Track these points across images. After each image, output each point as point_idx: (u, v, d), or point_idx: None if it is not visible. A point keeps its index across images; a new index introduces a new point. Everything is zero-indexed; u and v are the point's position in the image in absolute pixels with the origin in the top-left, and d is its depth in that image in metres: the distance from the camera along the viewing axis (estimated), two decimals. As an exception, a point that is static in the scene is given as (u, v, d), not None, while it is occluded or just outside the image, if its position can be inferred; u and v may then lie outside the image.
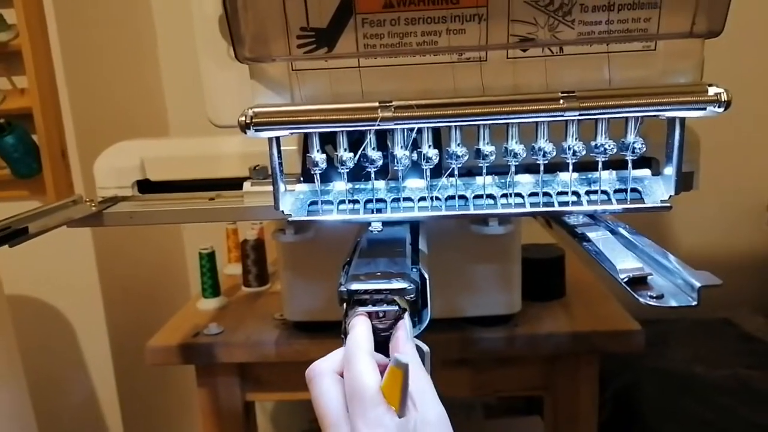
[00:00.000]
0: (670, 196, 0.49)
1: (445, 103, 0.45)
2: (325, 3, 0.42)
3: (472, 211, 0.50)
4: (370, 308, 0.41)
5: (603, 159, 0.48)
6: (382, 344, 0.40)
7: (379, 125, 0.45)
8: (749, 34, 1.37)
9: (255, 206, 0.65)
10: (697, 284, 0.40)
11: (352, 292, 0.41)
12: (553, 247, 0.97)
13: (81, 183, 1.20)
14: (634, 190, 0.49)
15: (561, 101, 0.44)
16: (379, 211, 0.51)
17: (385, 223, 0.52)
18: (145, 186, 0.74)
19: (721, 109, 0.43)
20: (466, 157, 0.48)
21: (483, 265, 0.81)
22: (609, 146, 0.47)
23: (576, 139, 0.47)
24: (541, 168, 0.48)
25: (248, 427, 0.93)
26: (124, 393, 1.34)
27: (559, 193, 0.50)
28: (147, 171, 0.74)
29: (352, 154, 0.47)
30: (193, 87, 0.76)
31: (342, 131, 0.47)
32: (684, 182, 0.49)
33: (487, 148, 0.48)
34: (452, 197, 0.50)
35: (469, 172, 0.52)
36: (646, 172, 0.51)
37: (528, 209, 0.50)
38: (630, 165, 0.48)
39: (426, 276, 0.45)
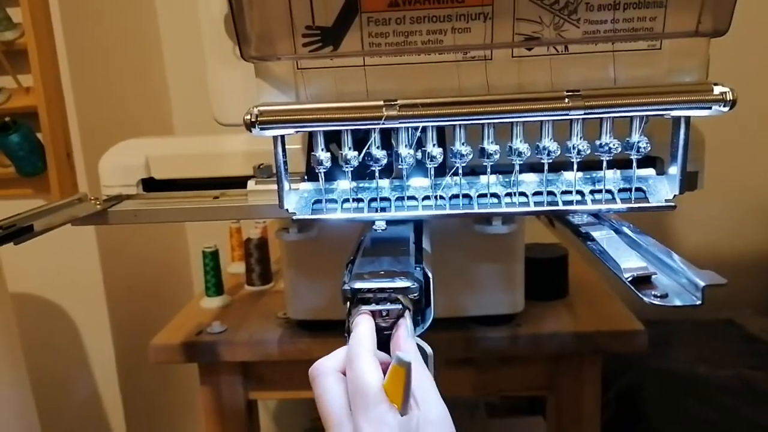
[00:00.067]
0: (675, 195, 0.49)
1: (450, 101, 0.45)
2: (330, 2, 0.42)
3: (476, 210, 0.50)
4: (374, 307, 0.41)
5: (607, 158, 0.47)
6: (385, 343, 0.40)
7: (383, 124, 0.45)
8: (755, 33, 1.36)
9: (259, 205, 0.65)
10: (702, 283, 0.39)
11: (355, 290, 0.42)
12: (557, 247, 0.97)
13: (85, 181, 1.21)
14: (638, 189, 0.49)
15: (566, 100, 0.44)
16: (383, 209, 0.51)
17: (389, 222, 0.52)
18: (150, 184, 0.74)
19: (727, 108, 0.43)
20: (470, 156, 0.48)
21: (486, 264, 0.81)
22: (614, 145, 0.47)
23: (580, 138, 0.47)
24: (546, 167, 0.48)
25: (251, 426, 0.93)
26: (127, 391, 1.35)
27: (564, 192, 0.50)
28: (152, 169, 0.74)
29: (356, 153, 0.47)
30: (197, 86, 0.76)
31: (346, 130, 0.47)
32: (689, 181, 0.49)
33: (491, 147, 0.48)
34: (456, 196, 0.50)
35: (473, 171, 0.52)
36: (650, 171, 0.51)
37: (532, 208, 0.50)
38: (635, 164, 0.48)
39: (429, 275, 0.45)
